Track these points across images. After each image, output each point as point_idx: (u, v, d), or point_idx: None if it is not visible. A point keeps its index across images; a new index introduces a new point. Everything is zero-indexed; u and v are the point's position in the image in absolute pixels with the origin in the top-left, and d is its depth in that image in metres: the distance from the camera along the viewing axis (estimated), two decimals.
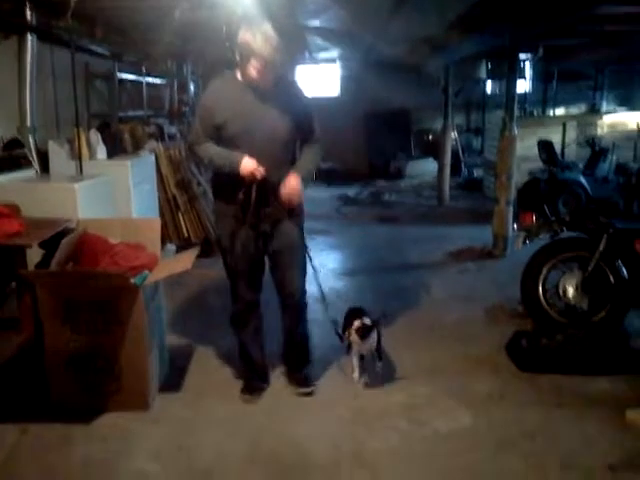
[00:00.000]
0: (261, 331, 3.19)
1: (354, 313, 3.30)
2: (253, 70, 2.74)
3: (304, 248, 3.06)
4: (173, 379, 3.28)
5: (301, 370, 3.24)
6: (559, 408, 2.99)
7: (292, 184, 2.84)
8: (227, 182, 2.89)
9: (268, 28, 2.72)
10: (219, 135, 2.86)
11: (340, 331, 3.30)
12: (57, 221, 3.53)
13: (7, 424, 2.81)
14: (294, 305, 3.11)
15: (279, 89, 2.87)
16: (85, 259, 3.10)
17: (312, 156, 3.02)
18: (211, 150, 2.87)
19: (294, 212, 2.98)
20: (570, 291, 3.91)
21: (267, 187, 2.84)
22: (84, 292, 2.84)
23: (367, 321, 3.14)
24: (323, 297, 3.38)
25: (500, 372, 3.38)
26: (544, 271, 3.98)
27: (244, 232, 2.91)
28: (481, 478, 2.46)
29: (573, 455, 2.59)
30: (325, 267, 5.56)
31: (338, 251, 6.46)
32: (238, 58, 2.79)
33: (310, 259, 3.12)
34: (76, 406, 2.91)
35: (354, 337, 3.12)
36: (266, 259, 3.06)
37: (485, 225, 6.24)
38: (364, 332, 3.11)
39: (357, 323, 3.13)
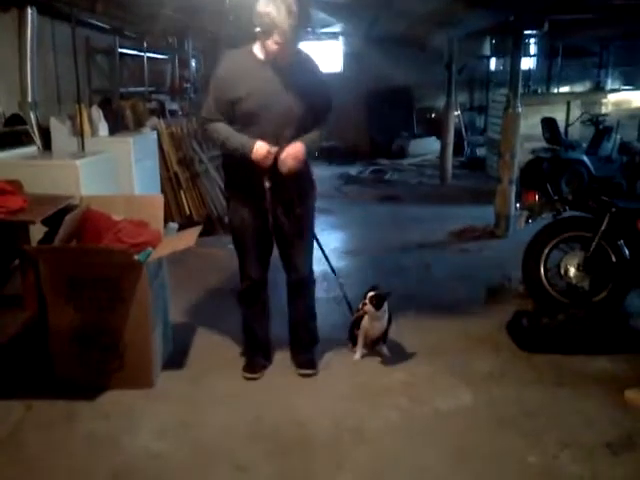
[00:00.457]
0: (267, 309, 3.21)
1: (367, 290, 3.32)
2: (273, 44, 2.65)
3: (313, 226, 3.08)
4: (176, 356, 3.31)
5: (307, 351, 3.23)
6: (559, 387, 3.01)
7: (294, 149, 2.76)
8: (239, 165, 2.85)
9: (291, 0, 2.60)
10: (233, 111, 2.78)
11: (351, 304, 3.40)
12: (60, 198, 3.52)
13: (12, 400, 2.84)
14: (302, 283, 3.12)
15: (296, 64, 2.79)
16: (88, 236, 3.10)
17: (319, 131, 2.95)
18: (224, 131, 2.80)
19: (305, 191, 2.97)
20: (572, 271, 3.92)
21: (279, 174, 2.79)
22: (87, 269, 2.85)
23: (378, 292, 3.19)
24: (333, 270, 3.55)
25: (501, 351, 3.40)
26: (546, 251, 3.98)
27: (255, 213, 2.91)
28: (481, 456, 2.49)
29: (572, 433, 2.61)
30: (327, 247, 5.53)
31: (340, 230, 6.46)
32: (258, 30, 2.67)
33: (316, 238, 3.17)
34: (80, 383, 2.93)
35: (368, 307, 3.13)
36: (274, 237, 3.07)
37: (487, 204, 6.23)
38: (378, 301, 3.14)
39: (371, 293, 3.16)
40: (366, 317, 3.19)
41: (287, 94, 2.76)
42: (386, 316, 3.22)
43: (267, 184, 2.79)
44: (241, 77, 2.76)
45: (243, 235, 2.98)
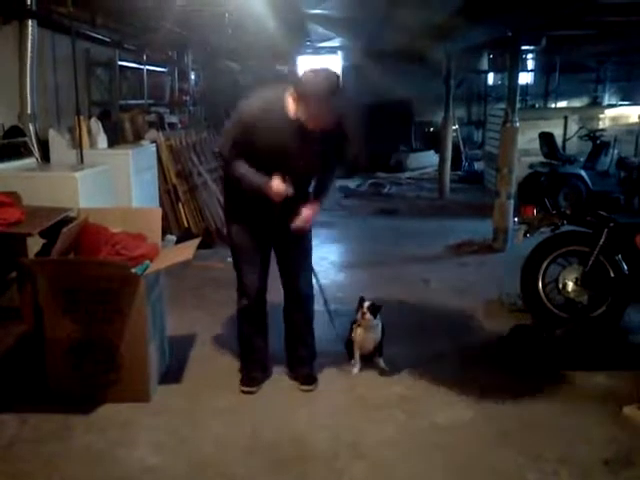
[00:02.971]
0: (265, 324, 3.20)
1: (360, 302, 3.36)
2: (308, 115, 2.68)
3: (311, 241, 3.11)
4: (173, 370, 3.29)
5: (307, 366, 3.21)
6: (557, 403, 2.99)
7: (308, 216, 2.90)
8: (243, 191, 2.88)
9: (332, 74, 2.66)
10: (247, 153, 2.81)
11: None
12: (58, 210, 3.53)
13: (7, 414, 2.81)
14: (302, 298, 3.13)
15: (328, 132, 2.77)
16: (86, 248, 3.10)
17: (330, 182, 3.09)
18: (242, 168, 2.82)
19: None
20: (570, 285, 3.92)
21: (287, 203, 2.86)
22: (85, 281, 2.84)
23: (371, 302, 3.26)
24: (323, 293, 3.47)
25: (498, 366, 3.38)
26: (544, 265, 3.98)
27: (258, 234, 2.98)
28: (478, 470, 2.47)
29: (570, 450, 2.60)
30: (326, 260, 5.57)
31: (338, 243, 6.46)
32: (296, 95, 2.69)
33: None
34: (76, 396, 2.91)
35: (367, 316, 3.20)
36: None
37: (485, 218, 6.25)
38: (374, 310, 3.22)
39: (367, 303, 3.23)
40: (358, 330, 3.25)
41: (307, 156, 2.81)
42: (379, 327, 3.27)
43: (276, 210, 2.86)
44: (267, 127, 2.72)
45: (245, 254, 3.01)
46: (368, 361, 3.33)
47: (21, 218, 3.29)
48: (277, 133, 2.74)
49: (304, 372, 3.18)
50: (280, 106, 2.75)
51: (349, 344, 3.34)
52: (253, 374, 3.16)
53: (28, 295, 3.34)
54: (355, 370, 3.27)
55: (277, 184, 2.76)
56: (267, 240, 3.04)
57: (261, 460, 2.52)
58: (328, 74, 2.66)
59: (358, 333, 3.25)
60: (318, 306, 3.37)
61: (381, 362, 3.30)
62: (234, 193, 3.01)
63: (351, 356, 3.32)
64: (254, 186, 2.81)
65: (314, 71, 2.68)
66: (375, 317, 3.22)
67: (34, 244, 3.31)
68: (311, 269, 3.18)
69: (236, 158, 2.83)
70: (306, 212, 2.89)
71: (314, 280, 3.24)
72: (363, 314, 3.22)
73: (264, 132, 2.73)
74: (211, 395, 3.04)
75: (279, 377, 3.22)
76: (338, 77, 2.66)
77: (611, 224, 3.82)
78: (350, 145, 3.03)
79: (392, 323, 3.46)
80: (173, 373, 3.25)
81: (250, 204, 2.92)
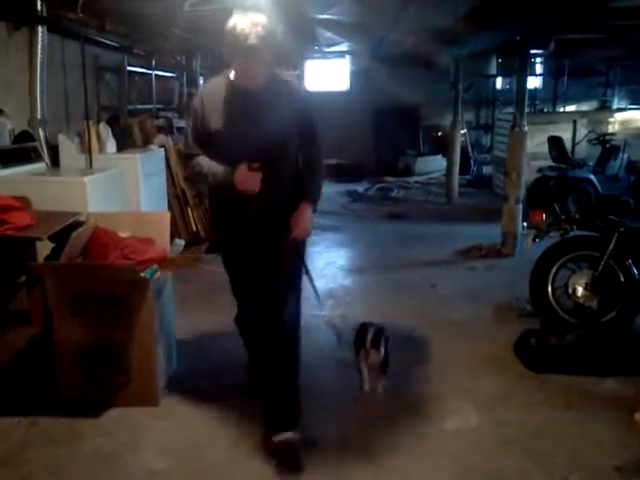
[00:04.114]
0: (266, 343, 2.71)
1: (362, 329, 3.10)
2: (239, 65, 2.45)
3: (302, 271, 2.74)
4: (181, 373, 3.29)
5: (286, 430, 2.55)
6: (567, 409, 2.97)
7: (304, 223, 2.62)
8: (225, 198, 2.63)
9: (260, 17, 2.37)
10: (212, 145, 2.58)
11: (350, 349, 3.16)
12: (67, 214, 3.54)
13: (17, 416, 2.83)
14: (283, 338, 2.62)
15: (271, 90, 2.53)
16: (95, 252, 3.10)
17: (318, 180, 2.74)
18: (206, 163, 2.60)
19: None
20: (580, 290, 3.89)
21: (268, 205, 2.57)
22: (93, 285, 2.85)
23: (374, 329, 3.02)
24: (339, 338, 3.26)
25: (508, 371, 3.37)
26: (553, 270, 3.95)
27: (244, 247, 2.71)
28: (486, 476, 2.45)
29: (580, 456, 2.58)
30: (333, 264, 5.57)
31: (346, 248, 6.46)
32: (225, 52, 2.46)
33: (311, 279, 2.81)
34: (84, 400, 2.92)
35: (372, 356, 2.99)
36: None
37: (494, 223, 6.22)
38: (376, 339, 2.98)
39: (369, 336, 2.98)
40: (363, 364, 3.06)
41: (265, 124, 2.51)
42: (383, 345, 3.03)
43: (253, 208, 2.57)
44: (216, 107, 2.53)
45: (233, 270, 2.82)
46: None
47: (31, 222, 3.31)
48: (226, 110, 2.51)
49: (282, 440, 2.53)
50: (224, 79, 2.57)
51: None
52: (255, 386, 2.94)
53: (37, 299, 3.35)
54: (366, 387, 3.08)
55: (241, 170, 2.46)
56: (256, 255, 2.69)
57: (270, 464, 2.51)
58: (252, 15, 2.38)
59: (363, 367, 3.06)
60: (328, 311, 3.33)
61: (381, 383, 3.07)
62: (217, 204, 2.80)
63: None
64: (219, 178, 2.55)
65: (237, 14, 2.41)
66: (379, 348, 2.98)
67: (43, 248, 3.32)
68: (297, 302, 2.72)
69: (198, 154, 2.63)
70: (301, 218, 2.61)
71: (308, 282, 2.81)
72: (367, 353, 2.99)
73: (214, 114, 2.52)
74: (218, 399, 3.04)
75: None
76: (267, 20, 2.38)
77: (621, 228, 3.79)
78: (313, 118, 2.68)
79: (399, 328, 3.45)
80: (181, 377, 3.25)
81: (232, 212, 2.64)
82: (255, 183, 2.46)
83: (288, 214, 2.62)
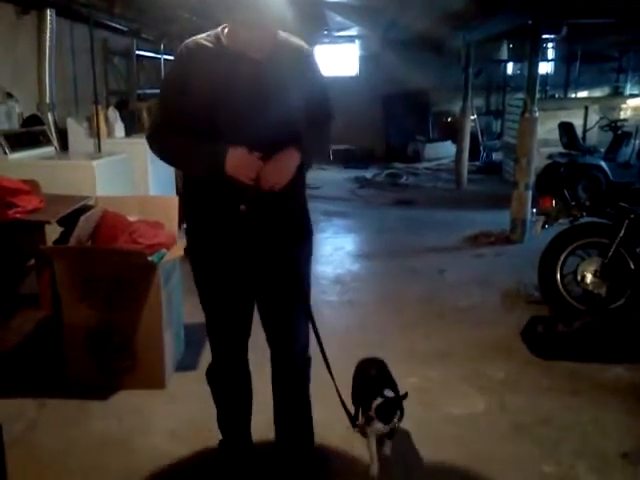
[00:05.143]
0: (247, 395, 2.33)
1: (371, 381, 2.44)
2: (238, 31, 1.88)
3: (308, 286, 2.17)
4: (189, 357, 3.30)
5: (298, 467, 2.26)
6: (575, 395, 2.97)
7: (280, 158, 1.88)
8: (205, 192, 1.99)
9: None
10: (193, 125, 1.89)
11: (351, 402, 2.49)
12: (75, 198, 3.56)
13: (26, 398, 2.86)
14: (291, 365, 2.21)
15: (280, 57, 1.93)
16: (103, 236, 3.11)
17: (319, 134, 2.09)
18: (180, 143, 1.93)
19: (299, 234, 2.09)
20: (589, 277, 3.87)
21: (264, 205, 1.93)
22: (102, 269, 2.86)
23: (389, 394, 2.31)
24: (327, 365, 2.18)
25: (515, 358, 3.36)
26: (562, 257, 3.94)
27: (229, 265, 2.04)
28: (494, 463, 2.45)
29: (588, 443, 2.58)
30: (341, 250, 5.56)
31: (354, 234, 6.45)
32: (221, 15, 1.97)
33: (313, 324, 2.11)
34: (93, 382, 2.94)
35: (375, 425, 2.27)
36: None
37: (503, 209, 6.18)
38: (388, 411, 2.27)
39: (376, 402, 2.27)
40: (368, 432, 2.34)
41: (268, 98, 1.89)
42: (394, 421, 2.31)
43: (242, 207, 1.91)
44: (202, 77, 1.88)
45: (210, 295, 2.14)
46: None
47: (39, 206, 3.32)
48: (218, 80, 1.87)
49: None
50: (213, 40, 1.93)
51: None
52: (230, 450, 2.37)
53: (46, 282, 3.38)
54: (374, 468, 2.34)
55: (238, 151, 1.83)
56: (244, 274, 2.07)
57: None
58: None
59: (372, 427, 2.30)
60: (337, 296, 3.28)
61: (387, 446, 2.43)
62: (195, 202, 2.07)
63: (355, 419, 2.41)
64: (205, 158, 1.89)
65: None
66: (389, 422, 2.27)
67: (52, 232, 3.34)
68: (305, 322, 2.13)
69: (169, 133, 1.95)
70: (279, 156, 1.88)
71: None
72: (370, 420, 2.26)
73: (197, 83, 1.87)
74: None
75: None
76: None
77: (632, 216, 3.76)
78: (328, 94, 2.10)
79: (407, 314, 3.45)
80: (189, 360, 3.27)
81: (214, 210, 1.99)
82: (252, 171, 1.84)
83: (289, 221, 2.02)
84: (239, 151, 1.84)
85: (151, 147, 2.02)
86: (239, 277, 2.06)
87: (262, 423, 2.43)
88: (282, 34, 1.98)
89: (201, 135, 1.88)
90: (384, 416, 2.25)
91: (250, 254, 2.01)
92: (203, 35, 1.97)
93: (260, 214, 1.94)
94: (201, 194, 2.01)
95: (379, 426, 2.27)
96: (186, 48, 1.94)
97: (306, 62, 2.02)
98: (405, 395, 2.30)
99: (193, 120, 1.89)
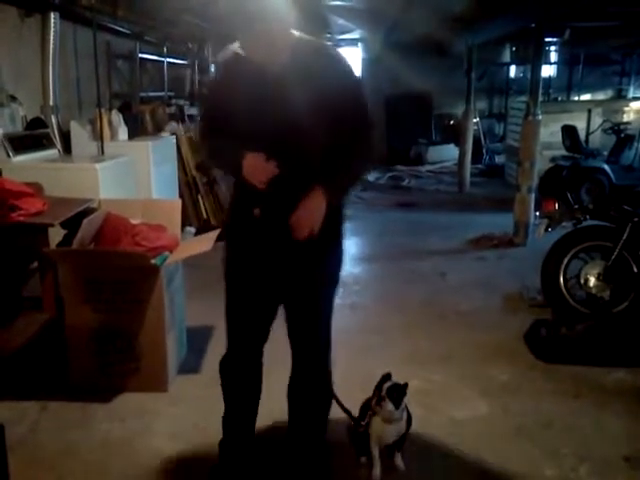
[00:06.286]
0: (256, 391, 2.31)
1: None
2: (247, 42, 1.88)
3: (334, 293, 2.18)
4: (191, 360, 3.31)
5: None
6: (577, 399, 2.96)
7: (307, 207, 1.88)
8: (239, 195, 2.11)
9: None
10: (226, 130, 2.00)
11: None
12: (79, 201, 3.56)
13: (29, 400, 2.86)
14: (307, 381, 2.21)
15: (299, 61, 1.88)
16: (106, 239, 3.12)
17: (351, 159, 1.99)
18: (218, 147, 2.09)
19: (326, 244, 2.03)
20: (592, 281, 3.87)
21: (276, 212, 1.94)
22: (105, 272, 2.87)
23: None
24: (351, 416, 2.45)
25: (518, 361, 3.36)
26: (565, 260, 3.93)
27: (255, 268, 2.07)
28: (496, 466, 2.45)
29: (589, 446, 2.57)
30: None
31: (356, 236, 6.44)
32: (224, 21, 1.91)
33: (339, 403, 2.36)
34: (95, 385, 2.95)
35: (387, 404, 2.26)
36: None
37: (506, 212, 6.18)
38: (398, 395, 2.29)
39: (387, 384, 2.30)
40: (376, 419, 2.32)
41: (283, 104, 1.87)
42: (404, 416, 2.35)
43: (256, 211, 1.98)
44: (229, 86, 1.97)
45: (236, 293, 2.16)
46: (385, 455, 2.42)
47: (43, 209, 3.33)
48: (241, 90, 1.93)
49: None
50: (233, 56, 1.98)
51: (358, 435, 2.44)
52: (228, 459, 2.33)
53: (49, 285, 3.38)
54: (376, 472, 2.34)
55: (254, 156, 1.88)
56: (271, 286, 2.10)
57: (278, 449, 2.52)
58: None
59: (376, 424, 2.32)
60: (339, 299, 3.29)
61: (399, 459, 2.41)
62: (232, 203, 2.17)
63: (361, 452, 2.44)
64: (229, 161, 2.04)
65: None
66: (399, 406, 2.28)
67: (55, 234, 3.34)
68: (327, 341, 2.19)
69: (209, 137, 2.12)
70: (306, 201, 1.89)
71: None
72: (381, 401, 2.28)
73: (228, 95, 1.96)
74: None
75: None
76: None
77: (635, 219, 3.76)
78: (362, 96, 1.99)
79: (409, 316, 3.45)
80: (191, 363, 3.28)
81: (238, 214, 2.09)
82: (264, 175, 1.87)
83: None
84: (254, 156, 1.88)
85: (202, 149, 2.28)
86: (264, 280, 2.08)
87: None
88: (301, 37, 1.95)
89: (235, 138, 1.95)
90: (394, 399, 2.26)
91: (275, 257, 2.02)
92: (225, 51, 2.04)
93: (276, 219, 1.93)
94: (234, 197, 2.13)
95: (390, 407, 2.26)
96: (217, 61, 2.12)
97: (326, 61, 1.93)
98: (406, 385, 2.32)
99: (225, 125, 1.98)
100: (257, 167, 1.88)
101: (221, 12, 1.88)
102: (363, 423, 2.37)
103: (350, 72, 1.98)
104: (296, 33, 1.94)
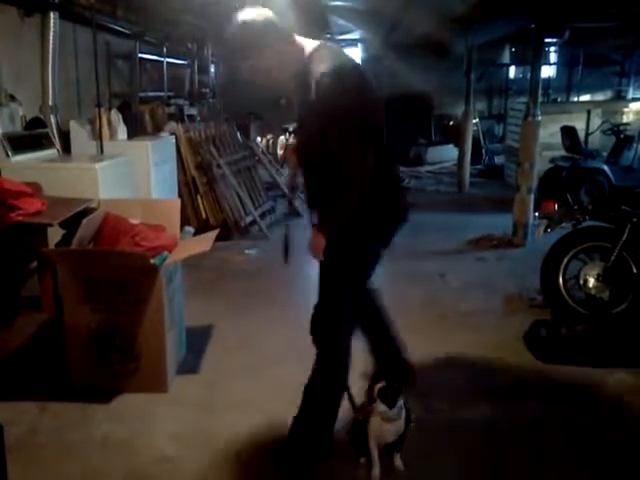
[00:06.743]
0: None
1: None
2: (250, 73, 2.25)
3: (335, 267, 2.35)
4: (191, 360, 3.30)
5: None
6: (576, 400, 2.96)
7: (310, 242, 2.27)
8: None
9: (249, 12, 2.14)
10: None
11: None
12: (78, 201, 3.56)
13: (28, 401, 2.85)
14: (312, 324, 2.43)
15: (304, 85, 2.15)
16: (106, 239, 3.11)
17: (337, 197, 2.19)
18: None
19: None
20: (591, 281, 3.86)
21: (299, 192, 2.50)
22: (104, 271, 2.86)
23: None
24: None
25: (517, 362, 3.35)
26: (565, 261, 3.93)
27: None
28: (496, 467, 2.45)
29: (590, 448, 2.56)
30: None
31: None
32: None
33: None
34: (95, 385, 2.94)
35: (378, 406, 2.25)
36: None
37: (505, 213, 6.17)
38: (392, 395, 2.26)
39: (380, 385, 2.27)
40: (374, 418, 2.30)
41: (300, 122, 2.43)
42: (403, 414, 2.32)
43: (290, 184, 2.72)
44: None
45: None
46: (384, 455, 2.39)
47: (42, 208, 3.33)
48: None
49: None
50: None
51: (356, 435, 2.40)
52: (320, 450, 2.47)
53: (48, 285, 3.38)
54: (376, 473, 2.32)
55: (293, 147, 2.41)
56: None
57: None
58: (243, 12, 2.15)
59: (374, 424, 2.29)
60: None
61: (398, 459, 2.39)
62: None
63: (361, 453, 2.40)
64: None
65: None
66: (393, 406, 2.26)
67: (54, 234, 3.34)
68: (332, 287, 2.38)
69: None
70: (309, 243, 2.28)
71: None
72: (371, 402, 2.27)
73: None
74: (228, 386, 3.05)
75: (293, 369, 3.18)
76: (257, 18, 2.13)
77: (634, 219, 3.75)
78: (332, 117, 2.07)
79: (408, 317, 3.44)
80: (191, 364, 3.27)
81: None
82: (291, 160, 2.49)
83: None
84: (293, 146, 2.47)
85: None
86: None
87: None
88: (315, 59, 2.15)
89: None
90: (388, 400, 2.25)
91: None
92: None
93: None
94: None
95: (382, 408, 2.25)
96: None
97: (315, 88, 2.08)
98: (400, 384, 2.32)
99: None
100: (289, 152, 2.55)
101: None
102: (360, 418, 2.37)
103: (329, 99, 2.08)
104: (308, 46, 2.23)
